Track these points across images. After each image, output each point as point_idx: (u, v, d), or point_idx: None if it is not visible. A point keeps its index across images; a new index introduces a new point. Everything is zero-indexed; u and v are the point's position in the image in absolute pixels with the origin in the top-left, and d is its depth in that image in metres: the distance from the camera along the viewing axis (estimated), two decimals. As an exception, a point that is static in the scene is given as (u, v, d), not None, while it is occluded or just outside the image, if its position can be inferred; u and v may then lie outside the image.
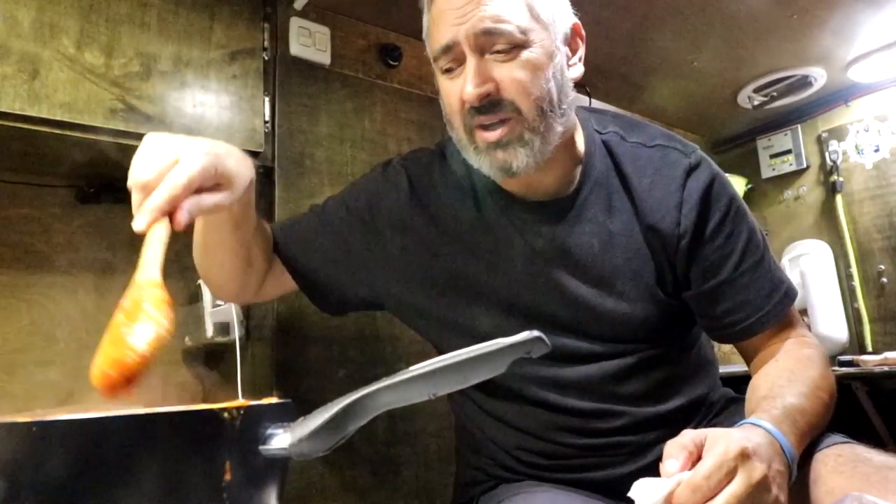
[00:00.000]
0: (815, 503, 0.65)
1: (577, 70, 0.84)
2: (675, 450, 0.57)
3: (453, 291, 0.88)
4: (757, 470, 0.55)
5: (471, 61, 0.76)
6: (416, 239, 0.90)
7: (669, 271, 0.85)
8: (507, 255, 0.86)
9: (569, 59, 0.83)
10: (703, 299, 0.84)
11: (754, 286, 0.83)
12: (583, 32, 0.85)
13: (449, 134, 0.85)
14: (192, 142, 0.64)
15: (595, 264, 0.84)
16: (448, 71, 0.80)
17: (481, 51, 0.76)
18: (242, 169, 0.70)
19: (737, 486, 0.54)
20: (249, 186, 0.73)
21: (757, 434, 0.61)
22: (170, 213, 0.59)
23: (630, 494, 0.56)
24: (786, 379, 0.75)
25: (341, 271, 0.94)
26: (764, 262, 0.84)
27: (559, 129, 0.80)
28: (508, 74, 0.76)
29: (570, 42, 0.83)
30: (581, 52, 0.85)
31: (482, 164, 0.80)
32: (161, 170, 0.59)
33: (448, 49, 0.77)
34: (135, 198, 0.60)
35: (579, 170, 0.86)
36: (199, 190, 0.62)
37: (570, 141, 0.85)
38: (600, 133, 0.89)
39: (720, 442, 0.56)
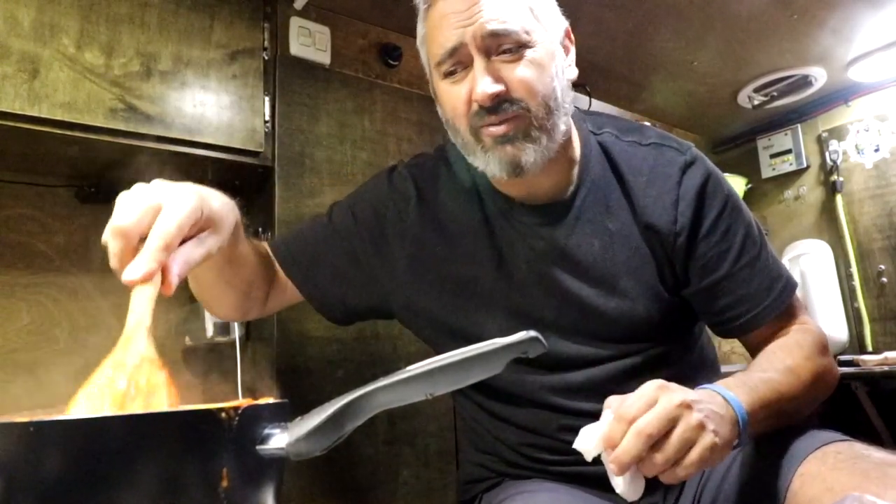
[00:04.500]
0: (814, 500, 0.65)
1: (573, 71, 0.86)
2: (613, 400, 0.64)
3: (461, 298, 0.88)
4: (677, 394, 0.61)
5: (479, 63, 0.76)
6: (424, 246, 0.90)
7: (669, 269, 0.85)
8: (511, 260, 0.87)
9: (564, 59, 0.84)
10: (703, 296, 0.85)
11: (754, 280, 0.83)
12: (572, 35, 0.87)
13: (451, 139, 0.85)
14: (175, 186, 0.60)
15: (596, 264, 0.84)
16: (450, 74, 0.80)
17: (487, 53, 0.76)
18: (227, 210, 0.67)
19: (659, 406, 0.59)
20: (237, 226, 0.72)
21: (689, 388, 0.65)
22: (159, 272, 0.55)
23: (574, 445, 0.63)
24: (762, 362, 0.79)
25: (350, 283, 0.94)
26: (762, 256, 0.85)
27: (563, 127, 0.81)
28: (516, 75, 0.76)
29: (564, 44, 0.85)
30: (573, 53, 0.87)
31: (489, 162, 0.79)
32: (141, 216, 0.55)
33: (454, 51, 0.77)
34: (113, 246, 0.55)
35: (576, 171, 0.87)
36: (185, 239, 0.59)
37: (567, 143, 0.85)
38: (595, 134, 0.89)
39: (644, 385, 0.63)
